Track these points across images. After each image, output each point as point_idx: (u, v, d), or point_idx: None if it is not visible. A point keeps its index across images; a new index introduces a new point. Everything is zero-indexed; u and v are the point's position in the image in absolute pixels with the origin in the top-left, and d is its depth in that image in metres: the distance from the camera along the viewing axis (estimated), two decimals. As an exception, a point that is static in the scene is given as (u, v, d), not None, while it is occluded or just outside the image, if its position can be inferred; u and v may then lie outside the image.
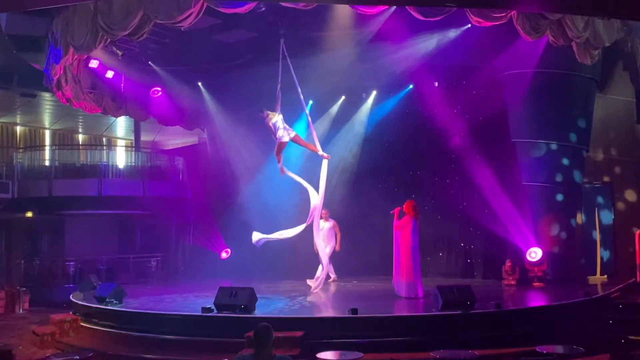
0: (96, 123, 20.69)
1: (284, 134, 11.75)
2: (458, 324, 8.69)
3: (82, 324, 10.36)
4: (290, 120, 13.76)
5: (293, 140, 11.93)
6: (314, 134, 12.19)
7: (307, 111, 12.31)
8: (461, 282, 10.75)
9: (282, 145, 11.89)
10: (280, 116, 11.81)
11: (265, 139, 13.12)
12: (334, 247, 13.07)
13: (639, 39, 12.35)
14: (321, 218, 12.32)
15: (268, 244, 12.12)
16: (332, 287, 12.71)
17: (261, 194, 14.97)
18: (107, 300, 10.36)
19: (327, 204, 12.95)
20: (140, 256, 18.15)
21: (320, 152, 11.94)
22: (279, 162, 11.91)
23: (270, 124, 11.76)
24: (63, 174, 17.56)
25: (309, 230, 12.82)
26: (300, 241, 12.97)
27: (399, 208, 10.94)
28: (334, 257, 13.06)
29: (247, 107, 14.80)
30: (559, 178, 12.81)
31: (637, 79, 12.84)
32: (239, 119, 15.52)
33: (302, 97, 11.90)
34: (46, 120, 20.44)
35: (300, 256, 13.61)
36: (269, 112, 11.77)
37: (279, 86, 11.78)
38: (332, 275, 13.32)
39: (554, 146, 12.79)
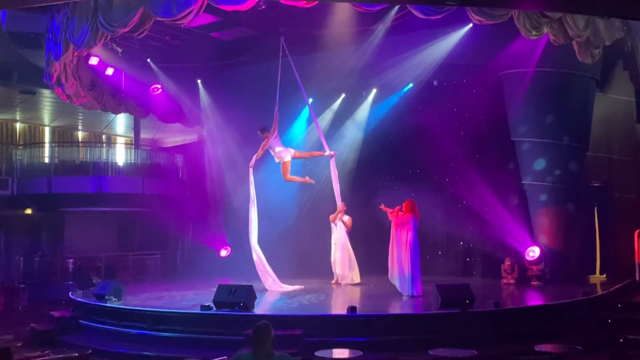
0: (96, 120, 20.66)
1: (286, 154, 11.89)
2: (457, 323, 8.70)
3: (81, 321, 10.35)
4: (288, 119, 13.82)
5: (295, 157, 12.06)
6: (321, 133, 12.28)
7: (310, 104, 12.32)
8: (460, 280, 10.74)
9: (287, 165, 11.99)
10: (277, 137, 11.90)
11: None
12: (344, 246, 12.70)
13: (639, 39, 12.34)
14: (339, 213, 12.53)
15: (267, 243, 12.14)
16: (331, 286, 12.68)
17: (261, 191, 14.95)
18: (106, 297, 10.37)
19: (327, 202, 12.98)
20: (139, 253, 18.15)
21: (327, 152, 12.23)
22: (285, 176, 12.09)
23: (267, 145, 11.78)
24: (62, 171, 17.55)
25: (308, 230, 12.86)
26: (300, 240, 12.98)
27: (397, 207, 10.95)
28: (326, 257, 12.99)
29: (247, 104, 14.81)
30: (558, 177, 12.80)
31: (637, 79, 12.85)
32: (239, 117, 15.49)
33: (305, 92, 11.93)
34: (46, 117, 20.42)
35: (299, 255, 13.61)
36: (267, 133, 11.79)
37: (276, 107, 11.83)
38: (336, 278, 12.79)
39: (553, 145, 12.79)
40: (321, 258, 13.11)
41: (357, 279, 12.75)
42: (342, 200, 12.66)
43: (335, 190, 12.44)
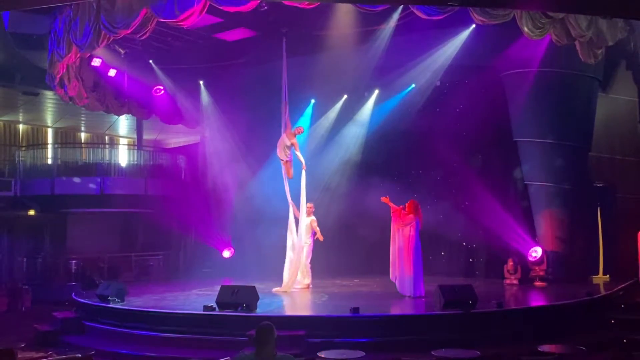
0: (98, 121, 20.70)
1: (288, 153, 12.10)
2: (459, 324, 8.70)
3: (84, 322, 10.36)
4: (290, 120, 13.85)
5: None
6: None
7: (287, 116, 12.45)
8: (463, 281, 10.73)
9: (290, 163, 12.20)
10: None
11: (266, 136, 13.12)
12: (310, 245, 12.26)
13: (642, 39, 12.34)
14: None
15: (269, 243, 12.15)
16: (333, 287, 12.67)
17: (263, 192, 14.97)
18: (109, 298, 10.38)
19: (328, 202, 12.97)
20: (142, 254, 18.16)
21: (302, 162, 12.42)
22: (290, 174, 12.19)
23: (293, 141, 11.85)
24: (65, 172, 17.58)
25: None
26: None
27: (400, 207, 10.94)
28: (329, 257, 12.98)
29: (249, 105, 14.83)
30: (560, 177, 12.79)
31: (639, 79, 12.82)
32: (241, 117, 15.52)
33: (286, 106, 11.97)
34: (48, 118, 20.46)
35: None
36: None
37: (286, 107, 11.84)
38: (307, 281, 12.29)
39: (555, 146, 12.77)
40: (323, 258, 13.10)
41: (308, 282, 12.35)
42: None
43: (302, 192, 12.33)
